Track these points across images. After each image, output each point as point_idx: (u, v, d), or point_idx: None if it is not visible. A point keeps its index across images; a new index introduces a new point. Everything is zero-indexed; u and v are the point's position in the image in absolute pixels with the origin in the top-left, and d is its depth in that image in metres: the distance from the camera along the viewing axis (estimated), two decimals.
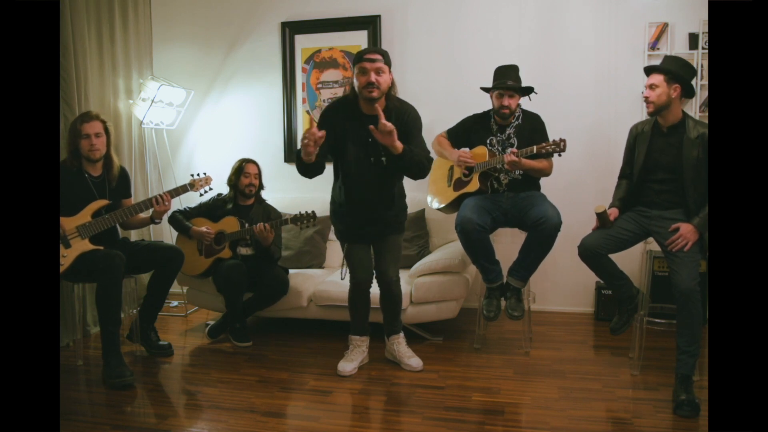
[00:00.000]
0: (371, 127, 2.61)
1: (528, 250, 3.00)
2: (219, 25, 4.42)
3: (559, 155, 2.94)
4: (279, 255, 3.60)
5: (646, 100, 2.69)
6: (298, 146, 2.73)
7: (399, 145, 2.63)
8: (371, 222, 2.87)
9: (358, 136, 2.74)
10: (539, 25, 3.92)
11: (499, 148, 3.11)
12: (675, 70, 2.63)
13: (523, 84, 3.12)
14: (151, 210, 3.14)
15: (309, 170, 2.76)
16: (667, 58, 2.74)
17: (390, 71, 2.70)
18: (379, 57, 2.64)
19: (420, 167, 2.74)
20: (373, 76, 2.61)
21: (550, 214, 2.88)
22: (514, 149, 2.98)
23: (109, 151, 3.08)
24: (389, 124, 2.57)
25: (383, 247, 2.92)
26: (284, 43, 4.29)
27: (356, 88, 2.70)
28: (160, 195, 3.08)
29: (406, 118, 2.77)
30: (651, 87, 2.66)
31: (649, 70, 2.72)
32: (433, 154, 2.96)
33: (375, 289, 3.09)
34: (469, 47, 4.02)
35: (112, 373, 2.81)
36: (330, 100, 4.04)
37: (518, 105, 3.13)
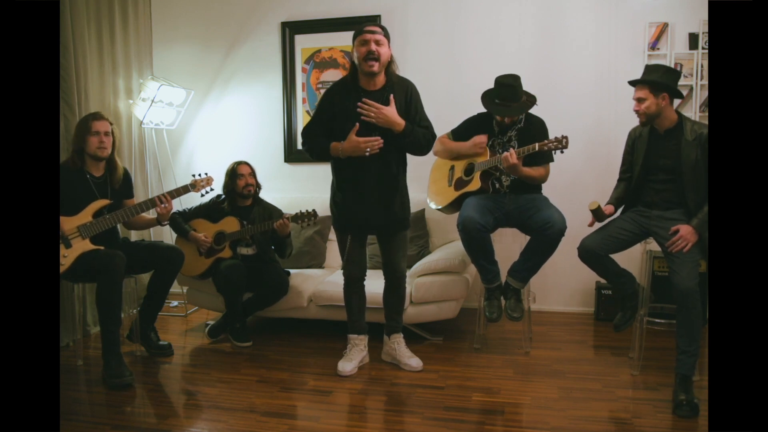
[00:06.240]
0: (361, 103, 2.65)
1: (531, 253, 2.99)
2: (219, 25, 4.42)
3: (561, 152, 2.93)
4: (292, 249, 3.61)
5: (637, 113, 2.69)
6: (299, 145, 2.70)
7: (400, 122, 2.70)
8: (374, 206, 2.81)
9: (358, 111, 2.74)
10: (539, 25, 3.92)
11: (500, 150, 3.11)
12: (658, 80, 2.62)
13: (524, 86, 3.09)
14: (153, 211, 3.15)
15: (321, 156, 2.85)
16: (648, 68, 2.71)
17: (389, 46, 2.74)
18: (378, 29, 2.70)
19: (422, 143, 2.81)
20: (373, 45, 2.65)
21: (555, 219, 2.87)
22: (513, 149, 2.96)
23: (113, 154, 3.09)
24: (384, 107, 2.65)
25: (393, 242, 2.92)
26: (284, 43, 4.30)
27: (356, 61, 2.73)
28: (161, 196, 3.09)
29: (411, 91, 2.83)
30: (638, 101, 2.66)
31: (633, 84, 2.71)
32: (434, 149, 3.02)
33: (374, 290, 3.10)
34: (469, 47, 4.02)
35: (112, 373, 2.81)
36: None
37: None
